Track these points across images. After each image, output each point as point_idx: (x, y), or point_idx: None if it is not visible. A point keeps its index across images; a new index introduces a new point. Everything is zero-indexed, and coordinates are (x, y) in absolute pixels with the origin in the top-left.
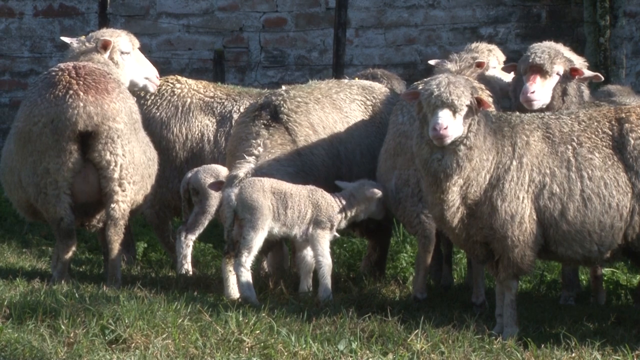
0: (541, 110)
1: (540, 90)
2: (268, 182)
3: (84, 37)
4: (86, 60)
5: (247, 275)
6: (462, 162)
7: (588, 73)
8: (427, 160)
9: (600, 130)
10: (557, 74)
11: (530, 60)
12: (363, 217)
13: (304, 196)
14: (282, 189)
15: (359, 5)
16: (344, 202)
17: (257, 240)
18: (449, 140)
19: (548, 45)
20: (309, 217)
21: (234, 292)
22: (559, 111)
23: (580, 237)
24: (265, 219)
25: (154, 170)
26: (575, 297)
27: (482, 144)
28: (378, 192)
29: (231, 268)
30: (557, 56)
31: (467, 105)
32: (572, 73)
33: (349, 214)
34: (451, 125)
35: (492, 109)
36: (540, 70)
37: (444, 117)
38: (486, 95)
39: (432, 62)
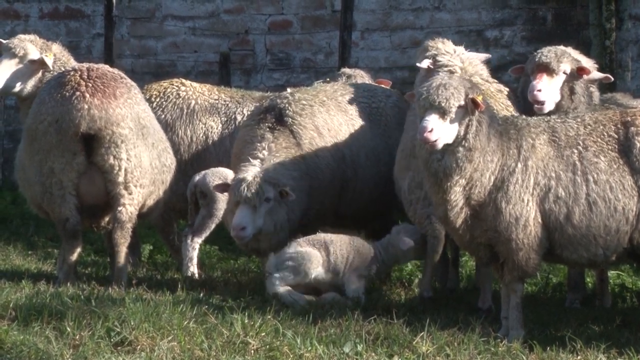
0: (550, 111)
1: (547, 89)
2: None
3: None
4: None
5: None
6: (461, 162)
7: (597, 75)
8: (427, 160)
9: (606, 134)
10: (564, 72)
11: (537, 60)
12: (401, 262)
13: (345, 242)
14: (321, 238)
15: (364, 7)
16: (381, 251)
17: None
18: (439, 144)
19: (557, 47)
20: (351, 263)
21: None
22: (565, 114)
23: (585, 241)
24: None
25: (170, 177)
26: (580, 300)
27: (484, 145)
28: (409, 243)
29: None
30: (564, 55)
31: (458, 107)
32: (579, 72)
33: (386, 262)
34: (437, 128)
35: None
36: (547, 69)
37: (430, 120)
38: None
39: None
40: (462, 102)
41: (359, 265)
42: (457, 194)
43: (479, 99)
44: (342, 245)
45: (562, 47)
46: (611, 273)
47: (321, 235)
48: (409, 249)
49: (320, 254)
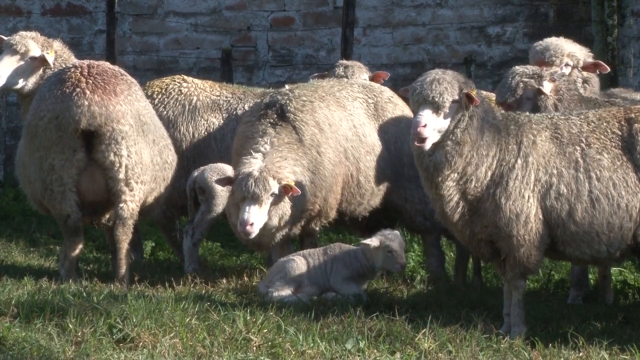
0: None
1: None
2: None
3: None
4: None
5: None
6: (450, 157)
7: (589, 60)
8: (419, 155)
9: (609, 131)
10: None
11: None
12: (376, 266)
13: (319, 253)
14: (299, 253)
15: (366, 4)
16: (360, 252)
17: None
18: (426, 145)
19: (546, 43)
20: (331, 270)
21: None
22: (568, 112)
23: (588, 238)
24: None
25: (171, 174)
26: (583, 297)
27: (475, 139)
28: (372, 242)
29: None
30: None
31: (452, 102)
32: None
33: (364, 262)
34: (431, 123)
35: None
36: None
37: (424, 115)
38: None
39: None
40: (456, 97)
41: (340, 269)
42: (451, 189)
43: (474, 93)
44: (318, 256)
45: (557, 41)
46: (613, 270)
47: (299, 252)
48: (369, 249)
49: (303, 261)
